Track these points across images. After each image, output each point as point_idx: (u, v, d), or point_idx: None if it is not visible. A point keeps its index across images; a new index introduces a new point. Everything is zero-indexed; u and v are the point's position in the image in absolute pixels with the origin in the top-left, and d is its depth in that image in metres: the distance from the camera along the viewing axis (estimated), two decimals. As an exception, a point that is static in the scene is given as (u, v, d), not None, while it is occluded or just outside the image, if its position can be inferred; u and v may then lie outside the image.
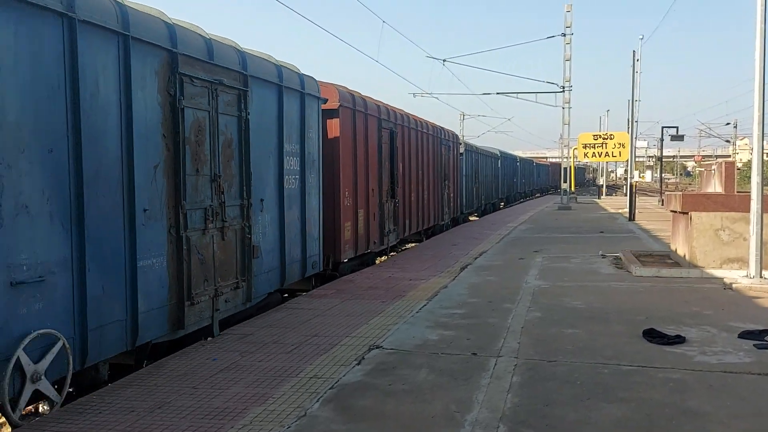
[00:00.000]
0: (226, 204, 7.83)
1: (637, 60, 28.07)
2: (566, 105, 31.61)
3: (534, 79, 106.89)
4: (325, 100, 11.39)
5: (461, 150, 25.32)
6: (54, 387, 5.34)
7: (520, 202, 45.60)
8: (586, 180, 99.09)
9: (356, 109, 12.80)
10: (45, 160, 5.27)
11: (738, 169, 20.21)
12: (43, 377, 5.15)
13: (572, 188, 36.82)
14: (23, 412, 5.12)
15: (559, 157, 55.83)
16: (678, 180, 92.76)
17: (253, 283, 8.49)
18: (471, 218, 28.90)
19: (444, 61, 30.88)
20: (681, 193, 12.76)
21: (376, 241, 14.09)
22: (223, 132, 7.79)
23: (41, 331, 5.10)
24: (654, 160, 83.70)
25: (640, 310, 8.39)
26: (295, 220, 10.10)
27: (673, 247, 12.95)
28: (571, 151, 35.91)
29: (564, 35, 30.92)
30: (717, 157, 75.44)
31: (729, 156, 66.45)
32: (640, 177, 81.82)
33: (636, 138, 29.52)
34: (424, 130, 18.60)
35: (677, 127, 35.89)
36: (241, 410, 5.07)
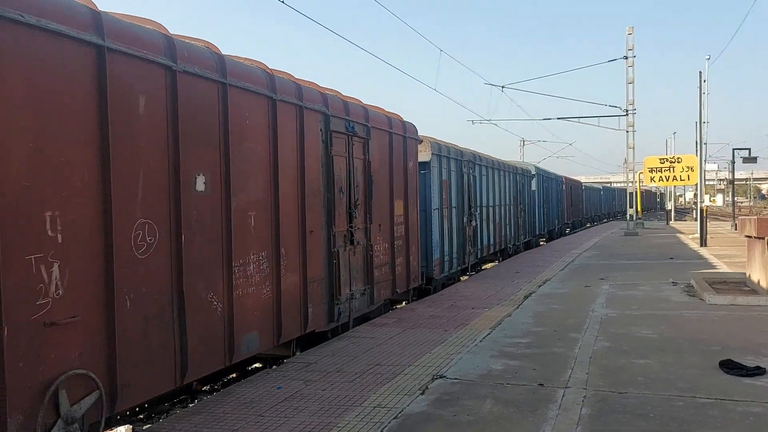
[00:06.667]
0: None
1: (705, 81, 27.25)
2: (630, 128, 30.95)
3: (596, 102, 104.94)
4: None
5: (582, 188, 45.29)
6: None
7: (617, 219, 61.02)
8: (657, 204, 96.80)
9: (569, 183, 32.67)
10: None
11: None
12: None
13: (639, 213, 35.92)
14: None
15: (623, 182, 54.63)
16: (752, 203, 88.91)
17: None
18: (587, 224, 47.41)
19: (503, 87, 30.83)
20: (756, 217, 12.21)
21: (568, 224, 30.78)
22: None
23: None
24: (725, 183, 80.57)
25: (716, 339, 8.04)
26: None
27: (748, 274, 12.39)
28: (636, 176, 35.04)
29: (626, 58, 30.45)
30: (794, 178, 71.99)
31: (807, 177, 63.30)
32: (710, 201, 78.86)
33: (705, 161, 28.53)
34: (576, 184, 38.08)
35: (749, 149, 34.67)
36: (305, 439, 5.09)
